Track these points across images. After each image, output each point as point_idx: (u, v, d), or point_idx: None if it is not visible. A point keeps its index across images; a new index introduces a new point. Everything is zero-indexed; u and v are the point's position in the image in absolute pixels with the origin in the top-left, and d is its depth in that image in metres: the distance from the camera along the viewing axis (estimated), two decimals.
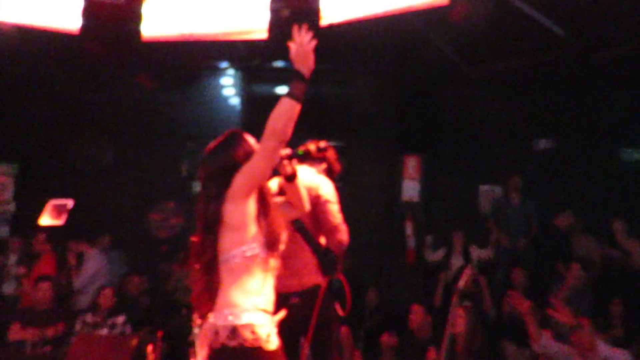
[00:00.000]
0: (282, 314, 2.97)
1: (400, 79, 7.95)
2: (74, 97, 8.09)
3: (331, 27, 6.17)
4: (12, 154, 8.31)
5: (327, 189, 3.90)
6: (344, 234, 3.89)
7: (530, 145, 7.97)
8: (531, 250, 7.14)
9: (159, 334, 5.09)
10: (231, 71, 8.54)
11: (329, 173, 4.10)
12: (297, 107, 2.75)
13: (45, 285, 6.83)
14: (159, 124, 8.46)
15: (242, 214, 2.83)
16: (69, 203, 5.20)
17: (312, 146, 3.73)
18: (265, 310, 2.84)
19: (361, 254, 7.22)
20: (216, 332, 2.77)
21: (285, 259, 3.09)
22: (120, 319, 6.38)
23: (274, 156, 2.87)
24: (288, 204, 3.15)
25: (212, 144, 2.96)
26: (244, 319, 2.76)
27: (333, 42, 6.77)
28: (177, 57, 7.58)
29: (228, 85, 8.71)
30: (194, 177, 8.40)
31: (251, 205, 2.85)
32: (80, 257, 7.66)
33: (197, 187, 8.54)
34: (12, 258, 7.56)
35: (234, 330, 2.74)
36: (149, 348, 5.04)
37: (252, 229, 2.84)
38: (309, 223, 3.83)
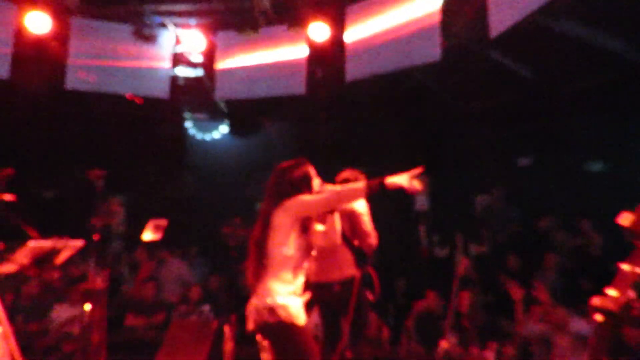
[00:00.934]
0: (307, 296, 3.03)
1: (410, 118, 7.95)
2: (168, 140, 8.23)
3: (354, 82, 6.30)
4: (123, 188, 8.55)
5: (360, 205, 3.93)
6: (373, 239, 3.93)
7: (513, 163, 7.86)
8: (518, 245, 7.00)
9: (233, 318, 5.15)
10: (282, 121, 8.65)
11: None
12: (363, 197, 2.85)
13: (149, 285, 7.03)
14: (230, 160, 8.60)
15: (288, 223, 2.88)
16: (164, 222, 5.31)
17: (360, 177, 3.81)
18: (295, 294, 2.87)
19: (389, 254, 7.27)
20: (258, 312, 2.82)
21: (330, 256, 3.17)
22: (206, 308, 6.49)
23: (326, 208, 2.95)
24: (325, 233, 3.14)
25: (284, 164, 3.05)
26: (279, 301, 2.81)
27: (357, 93, 6.92)
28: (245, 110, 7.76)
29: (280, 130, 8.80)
30: (257, 199, 8.53)
31: (298, 221, 2.90)
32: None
33: (258, 206, 8.68)
34: (125, 267, 7.75)
35: (272, 310, 2.79)
36: (226, 329, 5.10)
37: (293, 236, 2.89)
38: (348, 230, 3.88)
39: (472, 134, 7.87)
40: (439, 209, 8.07)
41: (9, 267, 3.46)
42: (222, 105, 7.58)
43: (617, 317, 1.17)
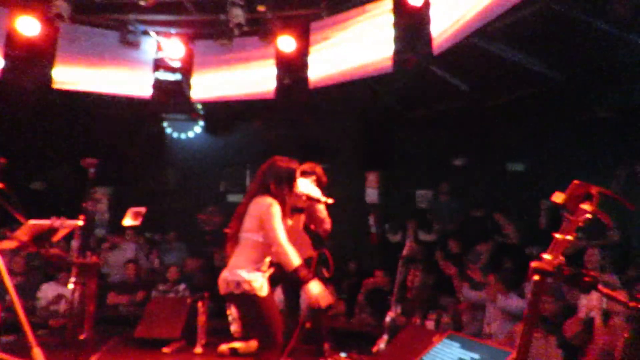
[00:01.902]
0: (271, 270, 2.99)
1: (364, 121, 8.00)
2: (149, 138, 8.02)
3: (317, 89, 6.27)
4: (107, 180, 8.25)
5: (316, 194, 3.92)
6: (328, 224, 3.95)
7: (450, 162, 8.02)
8: (459, 233, 7.13)
9: (206, 294, 5.05)
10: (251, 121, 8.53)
11: (319, 184, 4.12)
12: (289, 270, 2.83)
13: (131, 266, 6.80)
14: (206, 157, 8.42)
15: (256, 216, 2.88)
16: (143, 209, 5.15)
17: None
18: (260, 270, 2.87)
19: (343, 238, 7.25)
20: (227, 284, 2.84)
21: (290, 240, 3.13)
22: (182, 287, 6.34)
23: (271, 241, 2.87)
24: (290, 227, 3.12)
25: (277, 157, 3.04)
26: (245, 276, 2.81)
27: (319, 99, 6.90)
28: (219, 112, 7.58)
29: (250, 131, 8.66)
30: (229, 191, 8.40)
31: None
32: (153, 242, 7.62)
33: (230, 198, 8.54)
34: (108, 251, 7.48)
35: (238, 283, 2.81)
36: (199, 304, 5.00)
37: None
38: (306, 217, 3.86)
39: (415, 137, 8.00)
40: (387, 201, 8.15)
41: (9, 244, 3.38)
42: (198, 106, 7.41)
43: (552, 276, 1.18)
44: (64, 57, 6.04)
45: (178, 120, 7.60)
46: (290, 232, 3.08)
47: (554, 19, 4.77)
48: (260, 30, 6.07)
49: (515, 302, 4.40)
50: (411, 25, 5.09)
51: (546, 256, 1.26)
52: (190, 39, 6.50)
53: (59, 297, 5.90)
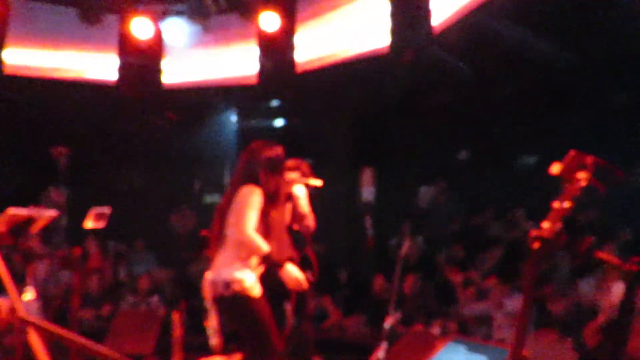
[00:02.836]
0: (261, 269, 3.10)
1: (357, 111, 8.17)
2: (114, 129, 8.10)
3: (305, 74, 6.43)
4: (67, 178, 8.29)
5: (298, 190, 4.00)
6: (311, 221, 4.00)
7: (453, 157, 8.24)
8: (460, 236, 7.35)
9: (182, 304, 5.16)
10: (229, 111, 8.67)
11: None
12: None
13: (95, 277, 6.90)
14: (179, 151, 8.50)
15: (239, 208, 2.96)
16: (107, 210, 5.25)
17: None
18: (250, 268, 2.96)
19: (334, 242, 7.45)
20: (214, 285, 2.91)
21: (268, 239, 3.28)
22: (155, 299, 6.46)
23: (237, 234, 2.97)
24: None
25: (256, 144, 3.13)
26: (234, 275, 2.90)
27: (307, 85, 7.07)
28: (189, 101, 7.71)
29: (229, 122, 8.82)
30: (205, 190, 8.52)
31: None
32: (118, 255, 7.72)
33: (207, 199, 8.67)
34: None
35: (227, 284, 2.88)
36: (175, 315, 5.10)
37: None
38: (287, 214, 3.94)
39: (415, 129, 8.20)
40: (385, 200, 8.34)
41: None
42: (171, 92, 7.50)
43: (550, 243, 1.40)
44: (15, 37, 6.12)
45: (147, 108, 7.64)
46: (274, 227, 3.19)
47: None
48: (240, 6, 6.19)
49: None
50: (410, 1, 5.29)
51: (545, 224, 1.48)
52: (160, 16, 6.59)
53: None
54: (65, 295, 3.73)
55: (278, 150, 3.15)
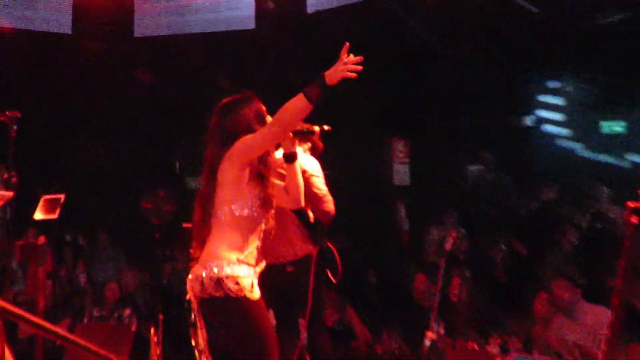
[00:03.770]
0: (263, 264, 3.11)
1: (384, 62, 8.04)
2: (69, 89, 8.05)
3: (316, 14, 6.39)
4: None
5: (311, 164, 4.02)
6: (329, 204, 4.03)
7: (510, 122, 8.13)
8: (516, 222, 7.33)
9: (160, 317, 5.24)
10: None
11: (313, 152, 4.19)
12: (308, 108, 2.87)
13: (48, 283, 6.97)
14: (151, 118, 8.50)
15: (234, 175, 2.98)
16: (61, 197, 5.34)
17: (316, 128, 3.70)
18: (247, 263, 2.98)
19: (359, 235, 7.47)
20: (202, 283, 2.92)
21: (278, 230, 3.28)
22: (127, 312, 6.55)
23: (273, 140, 3.03)
24: (285, 190, 3.24)
25: (227, 99, 3.13)
26: (227, 271, 2.91)
27: (317, 29, 7.02)
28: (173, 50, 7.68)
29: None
30: (187, 173, 8.52)
31: (245, 170, 2.99)
32: (77, 252, 7.80)
33: (191, 182, 8.69)
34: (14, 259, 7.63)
35: (219, 282, 2.90)
36: (152, 331, 5.17)
37: (245, 190, 2.99)
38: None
39: (464, 85, 8.10)
40: (424, 182, 8.29)
41: None
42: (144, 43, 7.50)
43: None
44: None
45: (114, 62, 7.59)
46: (285, 199, 3.19)
47: None
48: None
49: (598, 313, 4.61)
50: None
51: None
52: None
53: None
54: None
55: (256, 104, 3.14)
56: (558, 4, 6.72)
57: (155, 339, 5.20)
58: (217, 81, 7.44)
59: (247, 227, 3.01)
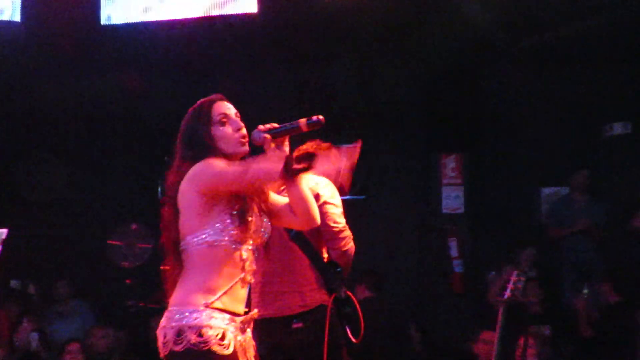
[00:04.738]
0: (253, 313, 3.12)
1: (429, 59, 8.11)
2: (18, 93, 8.23)
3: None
4: None
5: (327, 188, 4.10)
6: (348, 241, 4.10)
7: (599, 132, 8.16)
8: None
9: None
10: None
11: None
12: (276, 178, 2.99)
13: None
14: (126, 129, 8.68)
15: (196, 199, 2.97)
16: (3, 232, 5.43)
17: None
18: (220, 309, 2.99)
19: (397, 280, 7.50)
20: (165, 335, 2.97)
21: (282, 274, 3.28)
22: None
23: (238, 185, 2.99)
24: (289, 209, 3.23)
25: (192, 108, 3.14)
26: (190, 320, 2.95)
27: (342, 19, 7.11)
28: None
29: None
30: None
31: (204, 196, 2.99)
32: (27, 306, 7.84)
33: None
34: None
35: (179, 332, 2.93)
36: None
37: (212, 212, 2.98)
38: (307, 232, 3.96)
39: (533, 87, 8.14)
40: (482, 210, 8.29)
41: None
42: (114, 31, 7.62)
43: None
44: None
45: (76, 59, 7.69)
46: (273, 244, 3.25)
47: None
48: None
49: None
50: None
51: None
52: None
53: None
54: None
55: (224, 110, 3.17)
56: None
57: None
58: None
59: (216, 260, 3.03)
